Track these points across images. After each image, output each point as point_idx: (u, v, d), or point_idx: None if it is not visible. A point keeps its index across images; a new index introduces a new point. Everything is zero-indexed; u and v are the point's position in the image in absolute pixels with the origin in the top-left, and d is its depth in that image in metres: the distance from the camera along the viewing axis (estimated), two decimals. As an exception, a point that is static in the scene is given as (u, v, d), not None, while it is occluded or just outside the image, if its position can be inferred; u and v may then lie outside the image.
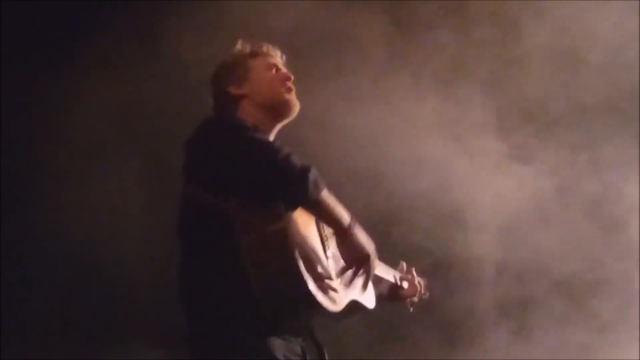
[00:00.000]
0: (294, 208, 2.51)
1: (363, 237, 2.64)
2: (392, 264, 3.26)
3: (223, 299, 2.51)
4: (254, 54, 2.93)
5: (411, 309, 3.31)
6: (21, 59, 4.39)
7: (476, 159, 4.69)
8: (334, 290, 2.59)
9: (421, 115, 4.63)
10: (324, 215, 2.60)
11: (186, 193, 2.65)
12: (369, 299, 2.89)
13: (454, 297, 4.64)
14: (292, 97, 2.88)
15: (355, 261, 2.65)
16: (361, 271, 2.66)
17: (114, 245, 4.37)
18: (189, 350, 2.57)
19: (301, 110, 2.85)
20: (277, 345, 2.53)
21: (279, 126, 2.90)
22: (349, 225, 2.59)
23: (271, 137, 2.87)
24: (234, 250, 2.46)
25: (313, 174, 2.48)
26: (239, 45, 2.95)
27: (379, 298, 3.11)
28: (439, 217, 4.64)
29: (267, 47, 2.95)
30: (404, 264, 3.32)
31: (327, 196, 2.54)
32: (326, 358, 2.69)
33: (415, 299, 3.30)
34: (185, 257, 2.62)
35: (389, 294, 3.24)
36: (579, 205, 4.67)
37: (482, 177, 4.67)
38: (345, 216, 2.59)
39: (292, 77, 2.91)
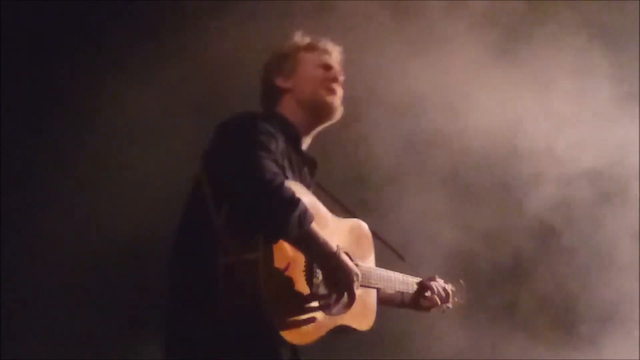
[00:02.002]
0: (274, 241, 2.45)
1: (347, 264, 2.56)
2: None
3: (193, 312, 2.50)
4: (308, 48, 2.86)
5: (443, 312, 3.27)
6: (60, 57, 4.45)
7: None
8: (310, 321, 2.53)
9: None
10: (304, 251, 2.53)
11: (195, 180, 2.60)
12: (361, 320, 2.81)
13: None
14: (335, 101, 2.81)
15: (337, 288, 2.57)
16: (344, 297, 2.58)
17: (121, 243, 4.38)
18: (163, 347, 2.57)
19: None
20: None
21: (318, 128, 2.84)
22: (329, 254, 2.51)
23: (308, 139, 2.82)
24: (211, 267, 2.44)
25: (299, 211, 2.41)
26: (296, 37, 2.88)
27: (398, 304, 3.12)
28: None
29: (324, 43, 2.87)
30: (437, 277, 3.24)
31: (309, 231, 2.47)
32: None
33: (446, 306, 3.25)
34: (172, 261, 2.60)
35: (410, 304, 3.19)
36: None
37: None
38: (328, 246, 2.52)
39: (341, 79, 2.82)
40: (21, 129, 4.45)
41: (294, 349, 2.65)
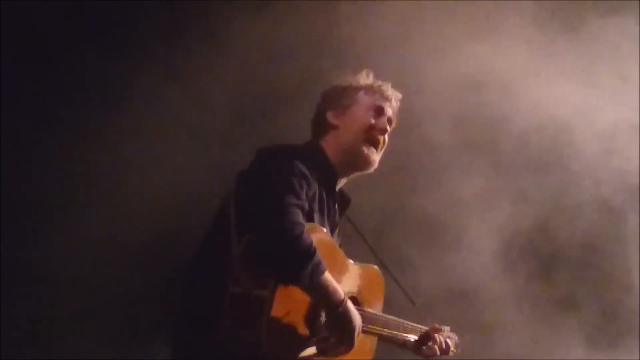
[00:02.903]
0: (285, 285, 2.50)
1: (352, 311, 2.62)
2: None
3: (199, 333, 2.57)
4: (368, 89, 2.86)
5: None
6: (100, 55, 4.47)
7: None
8: (309, 355, 2.60)
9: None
10: (314, 297, 2.58)
11: (225, 197, 2.66)
12: None
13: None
14: (372, 154, 2.82)
15: (337, 335, 2.63)
16: (342, 343, 2.64)
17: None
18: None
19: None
20: None
21: (354, 175, 2.86)
22: (336, 304, 2.57)
23: (344, 180, 2.85)
24: (221, 294, 2.50)
25: (312, 263, 2.46)
26: (363, 74, 2.89)
27: (399, 345, 3.16)
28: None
29: (385, 87, 2.88)
30: (443, 328, 3.27)
31: (322, 281, 2.52)
32: None
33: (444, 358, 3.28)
34: (190, 269, 2.68)
35: (414, 349, 3.21)
36: None
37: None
38: (335, 296, 2.56)
39: (389, 130, 2.84)
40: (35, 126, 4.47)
41: None
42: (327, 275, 2.54)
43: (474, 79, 4.64)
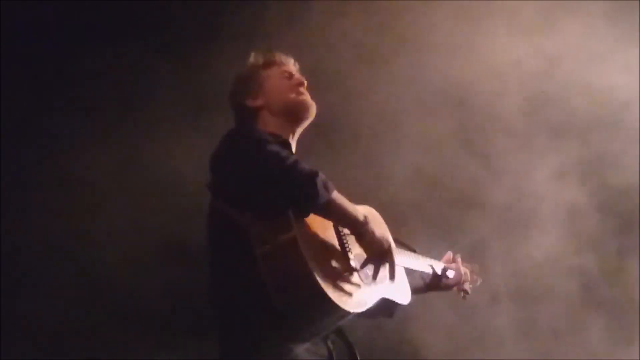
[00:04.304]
0: (306, 214, 2.56)
1: (378, 231, 2.65)
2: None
3: (245, 308, 2.59)
4: (266, 65, 2.97)
5: (463, 297, 3.32)
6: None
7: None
8: (357, 285, 2.61)
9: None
10: (335, 217, 2.63)
11: (211, 205, 2.74)
12: (401, 295, 2.89)
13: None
14: (307, 98, 2.92)
15: (376, 255, 2.65)
16: (384, 265, 2.67)
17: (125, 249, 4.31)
18: (219, 351, 2.66)
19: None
20: (300, 350, 2.57)
21: (299, 130, 2.94)
22: (363, 222, 2.61)
23: (293, 142, 2.92)
24: (251, 261, 2.52)
25: (321, 178, 2.52)
26: (251, 58, 3.00)
27: (421, 290, 3.17)
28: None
29: (279, 56, 2.99)
30: (451, 254, 3.30)
31: (337, 197, 2.57)
32: (357, 358, 2.74)
33: (466, 287, 3.29)
34: (212, 267, 2.72)
35: (432, 284, 3.21)
36: None
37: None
38: (357, 213, 2.62)
39: (305, 82, 2.94)
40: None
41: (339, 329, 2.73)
42: (340, 195, 2.59)
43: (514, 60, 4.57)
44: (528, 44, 4.66)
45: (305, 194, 2.51)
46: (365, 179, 4.50)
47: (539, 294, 4.68)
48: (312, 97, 2.93)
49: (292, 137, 2.92)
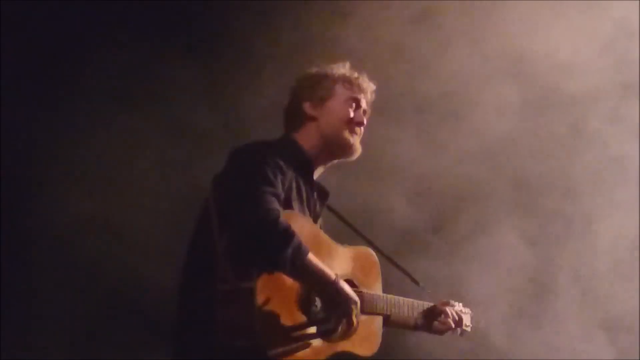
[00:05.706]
0: (269, 273, 2.53)
1: (346, 291, 2.61)
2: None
3: (195, 335, 2.62)
4: (345, 82, 2.88)
5: (460, 334, 3.23)
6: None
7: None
8: (306, 347, 2.59)
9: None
10: (301, 281, 2.60)
11: (205, 205, 2.71)
12: (365, 347, 2.83)
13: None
14: (356, 142, 2.86)
15: (337, 312, 2.62)
16: (346, 320, 2.62)
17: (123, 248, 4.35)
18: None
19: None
20: None
21: (333, 162, 2.90)
22: (332, 282, 2.58)
23: (322, 169, 2.89)
24: (210, 293, 2.54)
25: (292, 246, 2.48)
26: (335, 66, 2.91)
27: (409, 328, 3.10)
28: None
29: (362, 80, 2.90)
30: (451, 302, 3.19)
31: (305, 264, 2.53)
32: None
33: (462, 329, 3.19)
34: (183, 270, 2.72)
35: (420, 327, 3.12)
36: None
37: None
38: (327, 275, 2.58)
39: (365, 123, 2.87)
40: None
41: None
42: (312, 258, 2.55)
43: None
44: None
45: (269, 260, 2.51)
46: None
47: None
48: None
49: (324, 164, 2.89)
